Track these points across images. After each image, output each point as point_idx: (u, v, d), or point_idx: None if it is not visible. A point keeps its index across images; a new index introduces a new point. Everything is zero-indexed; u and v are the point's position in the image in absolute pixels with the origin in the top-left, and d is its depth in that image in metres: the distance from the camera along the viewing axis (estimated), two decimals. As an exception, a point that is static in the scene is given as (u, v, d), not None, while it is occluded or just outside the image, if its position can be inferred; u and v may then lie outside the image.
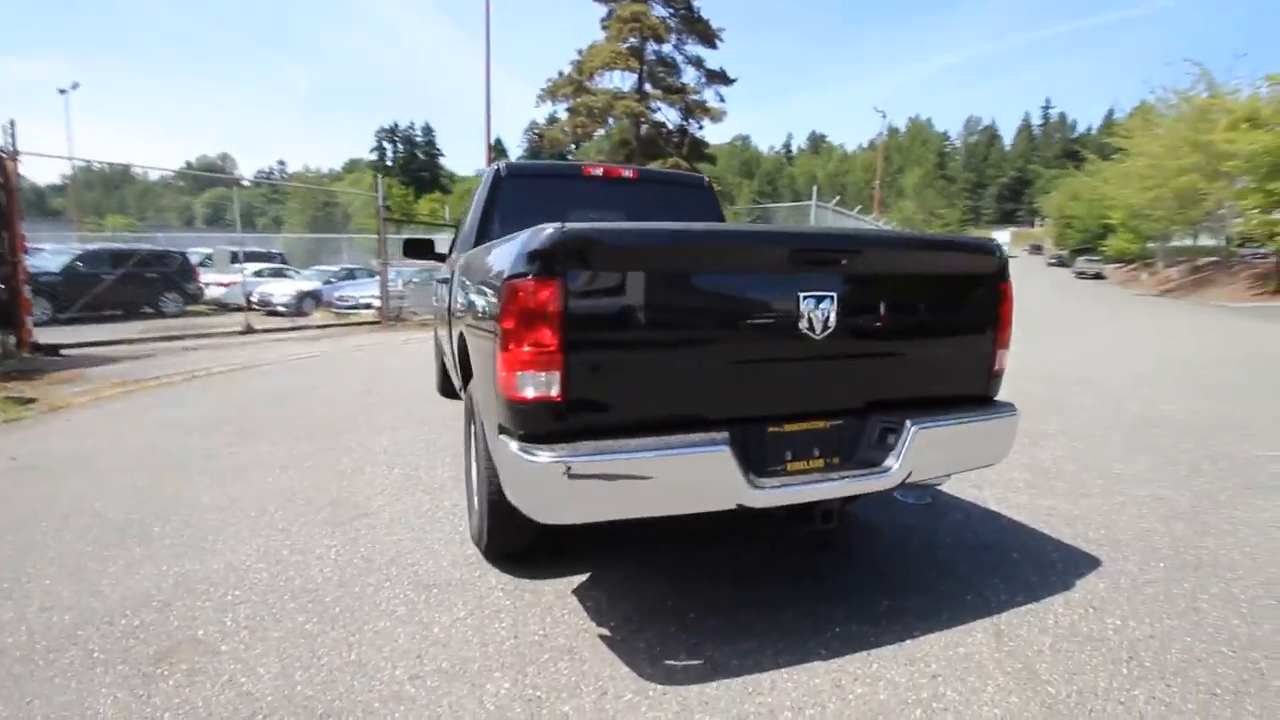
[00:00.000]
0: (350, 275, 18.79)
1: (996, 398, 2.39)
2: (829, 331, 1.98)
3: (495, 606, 2.33)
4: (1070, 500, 3.39)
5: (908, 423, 2.06)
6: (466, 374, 3.05)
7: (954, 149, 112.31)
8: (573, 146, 20.38)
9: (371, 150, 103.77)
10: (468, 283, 2.56)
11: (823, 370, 2.04)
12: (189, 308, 16.05)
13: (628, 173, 4.01)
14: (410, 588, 2.46)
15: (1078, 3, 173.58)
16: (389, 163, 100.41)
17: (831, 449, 2.09)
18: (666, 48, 17.67)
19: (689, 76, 18.19)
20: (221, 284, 16.88)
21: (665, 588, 2.46)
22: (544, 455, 1.74)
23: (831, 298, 1.97)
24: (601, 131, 18.49)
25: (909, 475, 2.06)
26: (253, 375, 7.15)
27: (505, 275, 1.80)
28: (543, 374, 1.76)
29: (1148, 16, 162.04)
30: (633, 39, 16.68)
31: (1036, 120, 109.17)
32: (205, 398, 5.94)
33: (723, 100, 18.19)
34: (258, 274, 18.45)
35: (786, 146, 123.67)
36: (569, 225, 1.73)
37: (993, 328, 2.28)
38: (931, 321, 2.23)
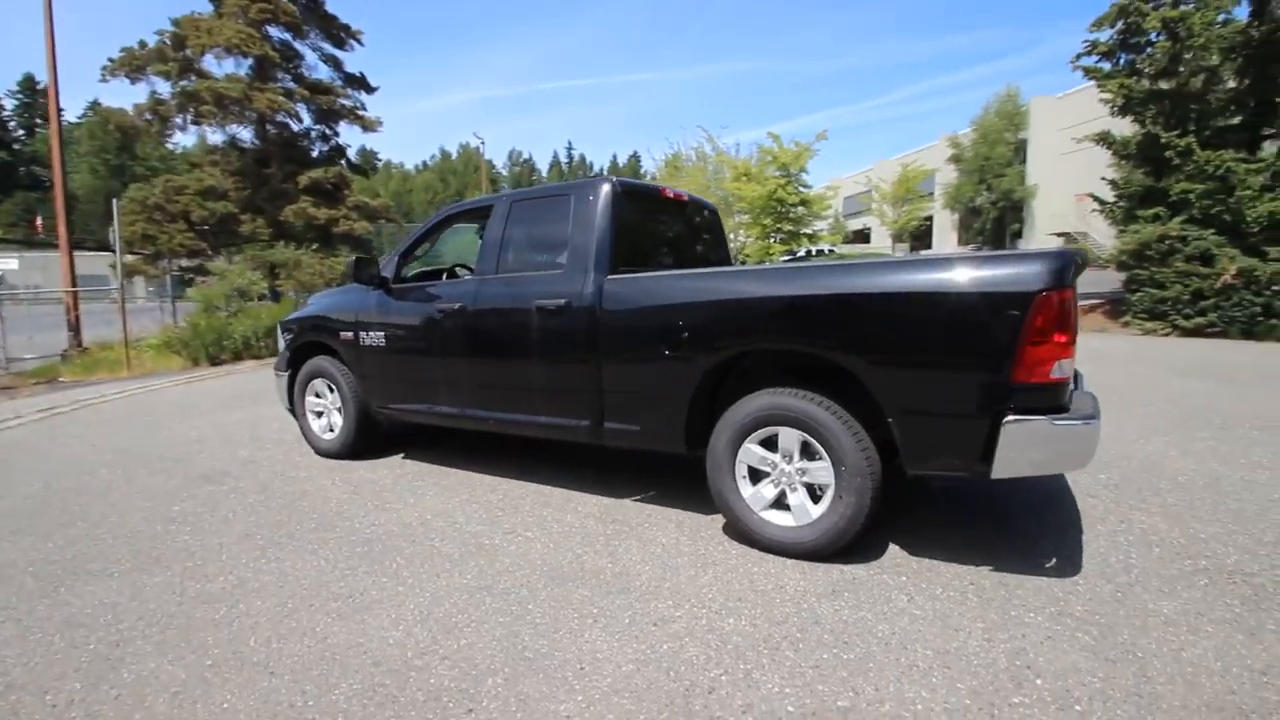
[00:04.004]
0: None
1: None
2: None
3: (926, 593, 2.63)
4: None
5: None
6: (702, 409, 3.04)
7: (502, 177, 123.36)
8: (177, 137, 15.36)
9: None
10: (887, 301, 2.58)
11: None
12: None
13: (685, 196, 4.18)
14: (835, 601, 2.51)
15: (589, 65, 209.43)
16: None
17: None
18: (296, 39, 15.16)
19: (323, 75, 16.05)
20: None
21: (981, 558, 3.09)
22: (1068, 422, 2.33)
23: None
24: (236, 126, 14.56)
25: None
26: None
27: (1032, 289, 2.28)
28: (1067, 360, 2.33)
29: (637, 83, 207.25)
30: (247, 20, 13.76)
31: (564, 158, 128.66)
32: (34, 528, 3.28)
33: (365, 109, 16.74)
34: None
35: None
36: (1067, 247, 2.34)
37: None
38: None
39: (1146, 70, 13.33)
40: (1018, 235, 31.82)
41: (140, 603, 2.65)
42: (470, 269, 5.02)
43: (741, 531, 3.00)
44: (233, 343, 10.73)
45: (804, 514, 2.84)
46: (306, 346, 4.79)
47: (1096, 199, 15.50)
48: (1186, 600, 2.45)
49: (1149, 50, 13.46)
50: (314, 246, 13.84)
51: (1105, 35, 13.95)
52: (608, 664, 2.14)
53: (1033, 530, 3.15)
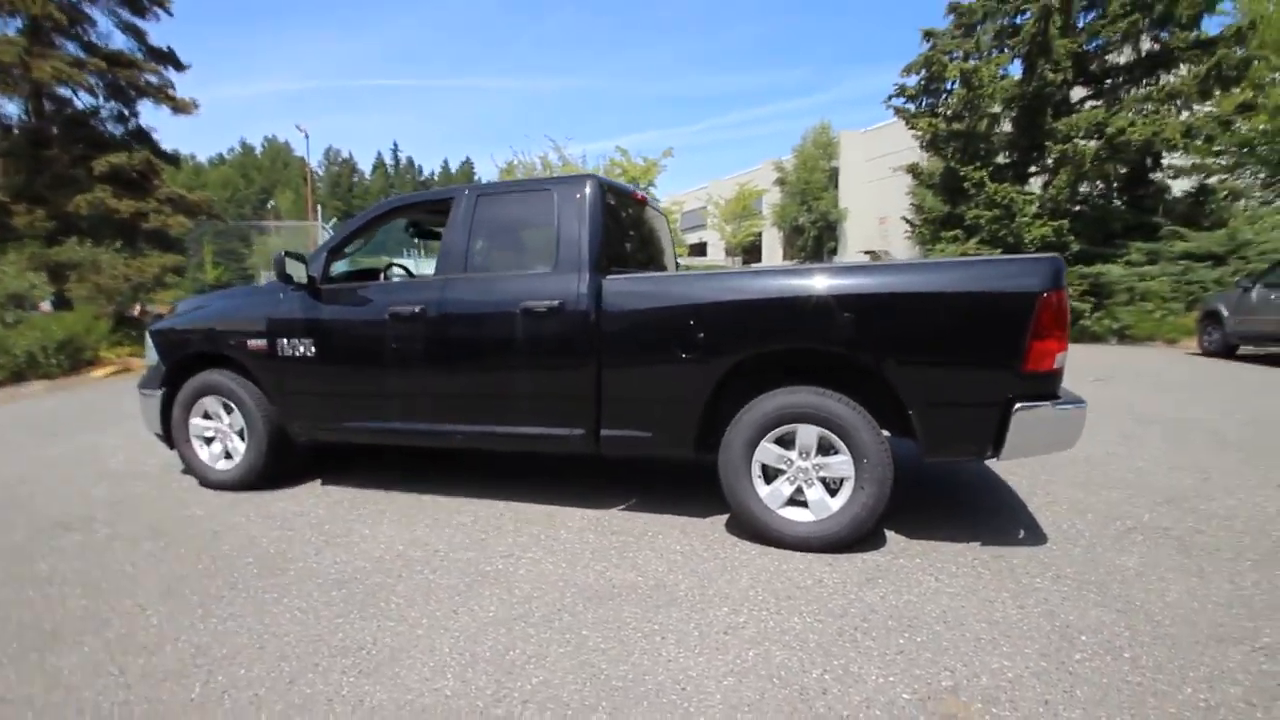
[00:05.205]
0: None
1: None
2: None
3: (945, 572, 2.82)
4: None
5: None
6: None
7: (318, 175, 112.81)
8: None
9: None
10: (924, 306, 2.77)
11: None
12: None
13: (646, 198, 4.08)
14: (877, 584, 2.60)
15: (413, 66, 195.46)
16: None
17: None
18: (87, 1, 12.31)
19: (120, 45, 13.25)
20: None
21: (966, 536, 3.37)
22: (1066, 406, 2.65)
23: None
24: (3, 99, 11.31)
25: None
26: None
27: (1036, 289, 2.57)
28: (1063, 353, 2.65)
29: (474, 89, 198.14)
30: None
31: (390, 160, 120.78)
32: None
33: (174, 88, 14.14)
34: None
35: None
36: (1056, 254, 2.66)
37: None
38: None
39: (944, 113, 15.73)
40: (833, 252, 35.69)
41: (67, 692, 2.01)
42: (404, 268, 4.55)
43: (758, 530, 3.01)
44: (12, 360, 8.59)
45: (823, 508, 2.92)
46: (189, 359, 3.98)
47: (908, 221, 17.92)
48: (1139, 555, 2.90)
49: (945, 96, 15.92)
50: (117, 245, 11.51)
51: (912, 81, 16.25)
52: (707, 680, 2.03)
53: (988, 508, 3.54)
